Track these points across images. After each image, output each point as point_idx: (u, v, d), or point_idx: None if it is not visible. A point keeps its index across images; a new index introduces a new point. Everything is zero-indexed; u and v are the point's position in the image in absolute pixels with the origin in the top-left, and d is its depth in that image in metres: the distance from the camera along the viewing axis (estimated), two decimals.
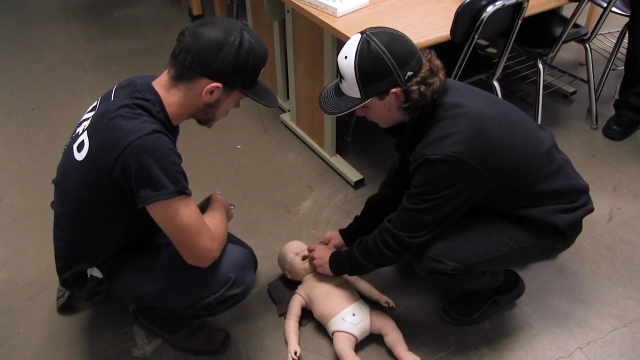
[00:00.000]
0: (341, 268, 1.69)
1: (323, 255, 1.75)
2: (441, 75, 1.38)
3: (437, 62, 1.39)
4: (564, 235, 1.53)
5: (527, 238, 1.52)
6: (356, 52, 1.33)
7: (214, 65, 1.27)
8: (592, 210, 1.57)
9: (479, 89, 1.53)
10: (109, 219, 1.36)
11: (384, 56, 1.31)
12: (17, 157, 2.56)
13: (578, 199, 1.53)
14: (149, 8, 4.06)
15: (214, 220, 1.42)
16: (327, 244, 1.84)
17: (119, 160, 1.22)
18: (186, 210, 1.28)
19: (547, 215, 1.49)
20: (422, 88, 1.34)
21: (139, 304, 1.68)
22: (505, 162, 1.41)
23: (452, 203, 1.40)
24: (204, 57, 1.26)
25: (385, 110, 1.42)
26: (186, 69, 1.28)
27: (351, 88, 1.38)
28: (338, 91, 1.44)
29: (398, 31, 1.38)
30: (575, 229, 1.57)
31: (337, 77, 1.42)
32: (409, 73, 1.33)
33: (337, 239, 1.88)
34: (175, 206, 1.26)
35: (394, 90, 1.35)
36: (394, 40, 1.34)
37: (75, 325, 1.79)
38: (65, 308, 1.82)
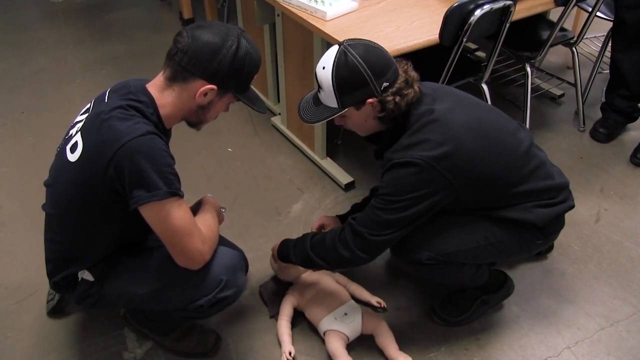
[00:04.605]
0: (287, 255, 1.65)
1: (276, 245, 1.73)
2: (416, 86, 1.42)
3: (413, 74, 1.43)
4: (543, 230, 1.54)
5: (504, 232, 1.53)
6: (334, 63, 1.37)
7: (211, 67, 1.28)
8: (572, 206, 1.58)
9: (457, 92, 1.55)
10: (100, 220, 1.36)
11: (360, 67, 1.35)
12: (7, 160, 2.54)
13: (557, 196, 1.54)
14: (139, 11, 4.05)
15: (205, 223, 1.42)
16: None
17: (113, 161, 1.22)
18: (178, 212, 1.28)
19: (523, 213, 1.50)
20: (397, 99, 1.39)
21: (130, 307, 1.68)
22: (479, 170, 1.42)
23: (416, 207, 1.40)
24: (201, 58, 1.27)
25: (362, 120, 1.47)
26: (182, 69, 1.29)
27: (329, 98, 1.42)
28: (317, 100, 1.48)
29: (375, 43, 1.42)
30: (555, 224, 1.57)
31: (316, 86, 1.45)
32: (385, 84, 1.38)
33: (333, 225, 1.82)
34: (167, 207, 1.26)
35: (370, 100, 1.39)
36: (371, 52, 1.38)
37: (65, 328, 1.78)
38: (55, 311, 1.81)
